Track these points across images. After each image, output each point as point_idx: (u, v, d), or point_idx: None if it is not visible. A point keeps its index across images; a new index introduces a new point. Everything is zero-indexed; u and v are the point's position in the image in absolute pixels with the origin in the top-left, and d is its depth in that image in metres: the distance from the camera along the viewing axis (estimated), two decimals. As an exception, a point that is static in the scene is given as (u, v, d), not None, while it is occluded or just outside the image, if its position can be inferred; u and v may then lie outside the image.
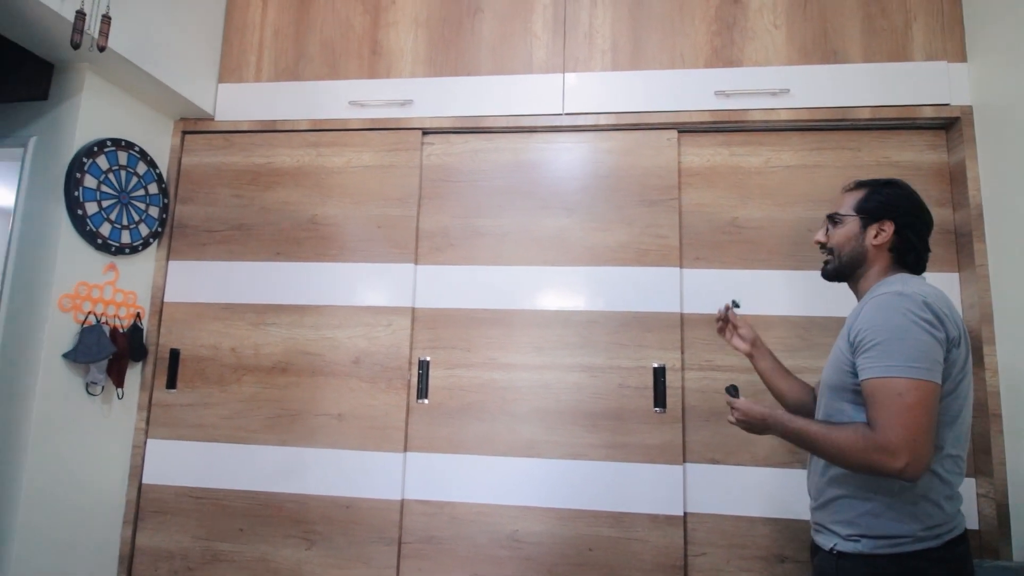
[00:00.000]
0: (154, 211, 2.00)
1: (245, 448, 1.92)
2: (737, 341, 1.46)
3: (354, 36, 2.10)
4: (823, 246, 1.27)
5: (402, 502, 1.85)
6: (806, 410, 1.33)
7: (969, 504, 1.69)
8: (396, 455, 1.86)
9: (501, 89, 2.00)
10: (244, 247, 2.03)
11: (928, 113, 1.83)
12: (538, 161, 1.99)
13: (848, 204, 1.24)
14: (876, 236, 1.18)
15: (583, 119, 1.95)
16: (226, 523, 1.90)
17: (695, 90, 1.92)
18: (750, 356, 1.45)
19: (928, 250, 1.20)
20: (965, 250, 1.78)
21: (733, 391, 1.28)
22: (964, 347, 1.07)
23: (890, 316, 1.03)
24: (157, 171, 2.01)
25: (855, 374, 1.08)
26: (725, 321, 1.48)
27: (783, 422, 1.15)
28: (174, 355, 1.99)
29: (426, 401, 1.90)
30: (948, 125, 1.86)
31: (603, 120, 1.95)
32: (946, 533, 1.04)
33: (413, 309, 1.95)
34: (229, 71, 2.13)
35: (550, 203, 1.96)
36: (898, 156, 1.88)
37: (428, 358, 1.92)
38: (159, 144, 2.06)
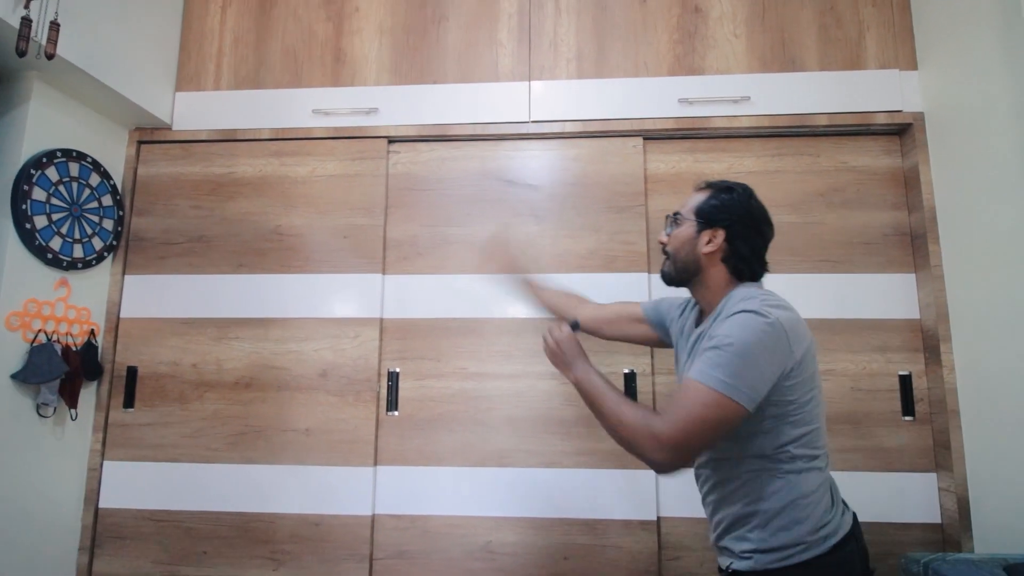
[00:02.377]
0: (108, 224, 1.92)
1: (208, 467, 1.86)
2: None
3: (317, 43, 2.06)
4: (664, 247, 1.19)
5: (373, 517, 1.81)
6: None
7: (931, 499, 1.74)
8: (366, 469, 1.82)
9: (467, 97, 1.99)
10: (205, 259, 1.97)
11: (882, 119, 1.89)
12: (506, 169, 1.98)
13: (691, 205, 1.15)
14: (708, 243, 1.11)
15: (549, 127, 1.96)
16: (189, 546, 1.83)
17: (659, 97, 1.94)
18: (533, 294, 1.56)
19: (763, 264, 1.13)
20: (920, 251, 1.83)
21: (575, 326, 1.21)
22: (813, 361, 1.05)
23: (743, 335, 0.97)
24: (111, 182, 1.94)
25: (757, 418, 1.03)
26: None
27: (583, 368, 1.10)
28: (131, 373, 1.92)
29: (396, 413, 1.87)
30: (901, 131, 1.92)
31: (569, 128, 1.96)
32: (831, 535, 1.03)
33: (381, 320, 1.91)
34: (187, 79, 2.08)
35: (518, 210, 1.96)
36: (855, 161, 1.93)
37: (397, 369, 1.89)
38: (113, 154, 1.99)
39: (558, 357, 1.16)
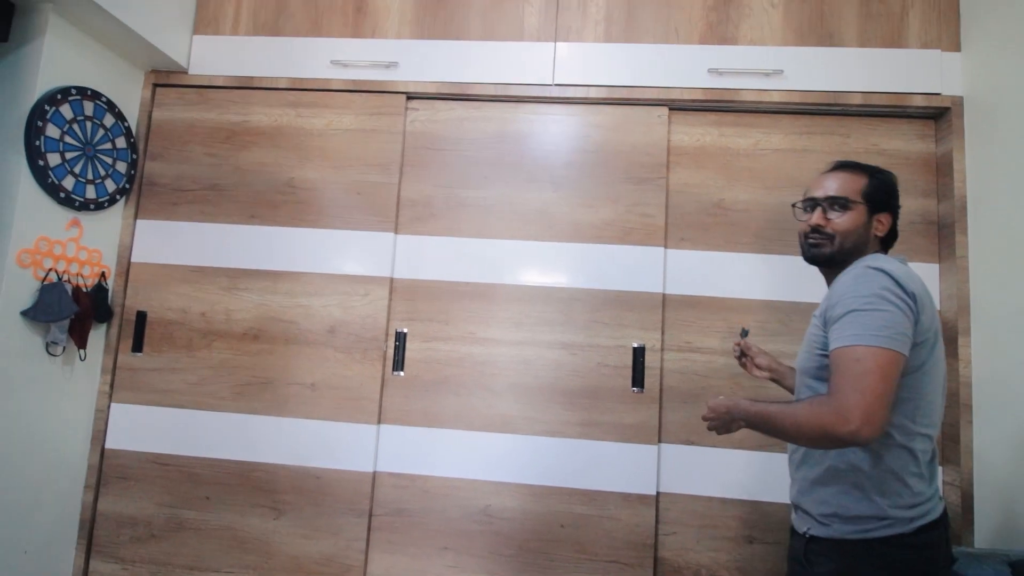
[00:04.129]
0: (122, 166, 1.90)
1: (213, 415, 1.87)
2: (756, 372, 1.44)
3: (339, -8, 2.00)
4: (818, 229, 1.18)
5: (374, 474, 1.83)
6: None
7: (935, 491, 1.72)
8: (370, 427, 1.83)
9: (490, 55, 1.93)
10: (217, 208, 1.95)
11: (919, 102, 1.81)
12: (525, 132, 1.94)
13: (850, 188, 1.17)
14: (878, 227, 1.18)
15: (573, 91, 1.90)
16: (192, 491, 1.86)
17: (688, 66, 1.88)
18: (774, 381, 1.43)
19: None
20: (947, 241, 1.78)
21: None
22: (934, 329, 1.06)
23: (863, 287, 1.03)
24: (126, 124, 1.91)
25: (827, 350, 1.07)
26: (742, 354, 1.45)
27: (745, 408, 1.14)
28: (141, 317, 1.92)
29: (402, 373, 1.86)
30: (938, 115, 1.85)
31: (593, 93, 1.90)
32: (918, 518, 1.04)
33: (391, 279, 1.90)
34: (205, 22, 2.03)
35: (536, 176, 1.91)
36: (886, 144, 1.87)
37: (405, 330, 1.88)
38: (128, 96, 1.96)
39: (722, 423, 1.18)
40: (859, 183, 1.18)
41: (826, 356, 1.07)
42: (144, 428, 1.89)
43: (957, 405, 1.69)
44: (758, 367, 1.43)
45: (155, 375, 1.91)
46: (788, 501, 1.24)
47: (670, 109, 1.91)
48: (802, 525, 1.13)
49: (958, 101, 1.80)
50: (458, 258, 1.89)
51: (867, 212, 1.17)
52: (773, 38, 1.88)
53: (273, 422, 1.86)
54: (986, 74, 1.72)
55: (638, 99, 1.89)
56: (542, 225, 1.89)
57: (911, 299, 1.02)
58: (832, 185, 1.19)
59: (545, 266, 1.87)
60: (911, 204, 1.83)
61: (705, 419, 1.21)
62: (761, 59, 1.86)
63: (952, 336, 1.72)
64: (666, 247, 1.86)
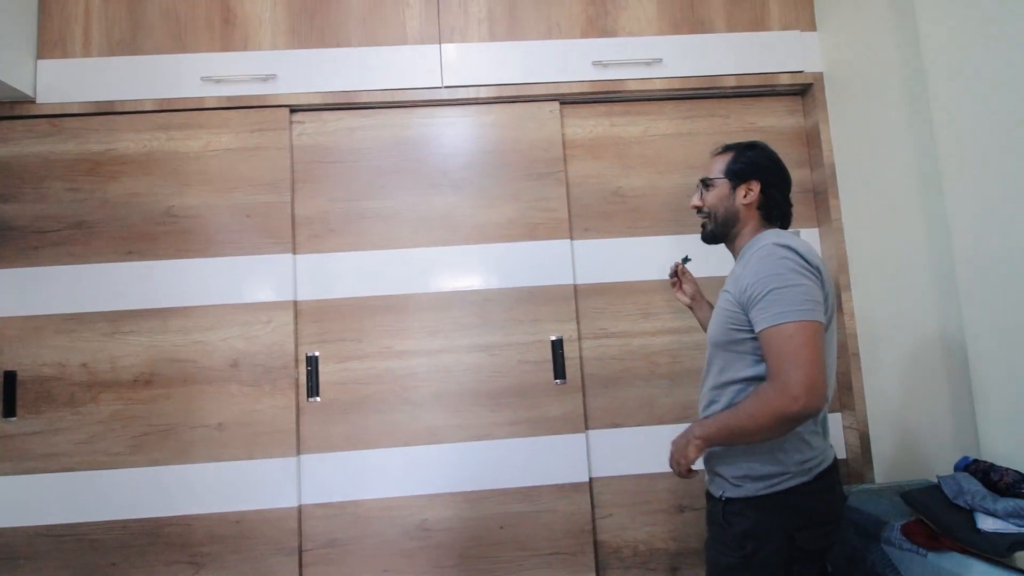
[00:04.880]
0: (-35, 212, 1.68)
1: (109, 474, 1.70)
2: (680, 295, 1.52)
3: (201, 2, 1.87)
4: (699, 210, 1.33)
5: (299, 508, 1.74)
6: None
7: (836, 436, 1.87)
8: (289, 460, 1.74)
9: (375, 61, 1.88)
10: (87, 247, 1.77)
11: (785, 80, 1.95)
12: (420, 137, 1.90)
13: (717, 168, 1.30)
14: (745, 196, 1.25)
15: (463, 92, 1.89)
16: (95, 560, 1.68)
17: (573, 60, 1.91)
18: (690, 307, 1.52)
19: (791, 205, 1.29)
20: (822, 206, 1.93)
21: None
22: (831, 296, 1.15)
23: (772, 266, 1.09)
24: (-36, 164, 1.69)
25: (747, 329, 1.13)
26: (676, 275, 1.52)
27: (701, 425, 1.17)
28: (9, 378, 1.71)
29: (318, 399, 1.78)
30: (803, 91, 2.00)
31: (484, 93, 1.89)
32: (816, 466, 1.13)
33: (295, 302, 1.81)
34: (50, 45, 1.83)
35: (436, 181, 1.89)
36: (762, 121, 1.99)
37: (316, 353, 1.79)
38: (-36, 132, 1.74)
39: (681, 451, 1.19)
40: (724, 161, 1.29)
41: (739, 331, 1.14)
42: (28, 500, 1.69)
43: (847, 355, 1.83)
44: (684, 292, 1.52)
45: (34, 439, 1.71)
46: (706, 468, 1.29)
47: (561, 104, 1.93)
48: (717, 489, 1.20)
49: (819, 77, 1.95)
50: (365, 272, 1.83)
51: (729, 186, 1.27)
52: (650, 28, 1.95)
53: (179, 471, 1.71)
54: (840, 50, 1.88)
55: (528, 96, 1.90)
56: (447, 229, 1.86)
57: (815, 272, 1.10)
58: (709, 169, 1.32)
59: (455, 270, 1.85)
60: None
61: (673, 464, 1.22)
62: (641, 49, 1.93)
63: (836, 292, 1.87)
64: (572, 239, 1.89)
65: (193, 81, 1.83)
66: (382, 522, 1.75)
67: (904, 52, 1.58)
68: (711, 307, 1.50)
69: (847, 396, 1.85)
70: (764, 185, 1.25)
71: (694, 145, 1.96)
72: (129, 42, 1.85)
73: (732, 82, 1.94)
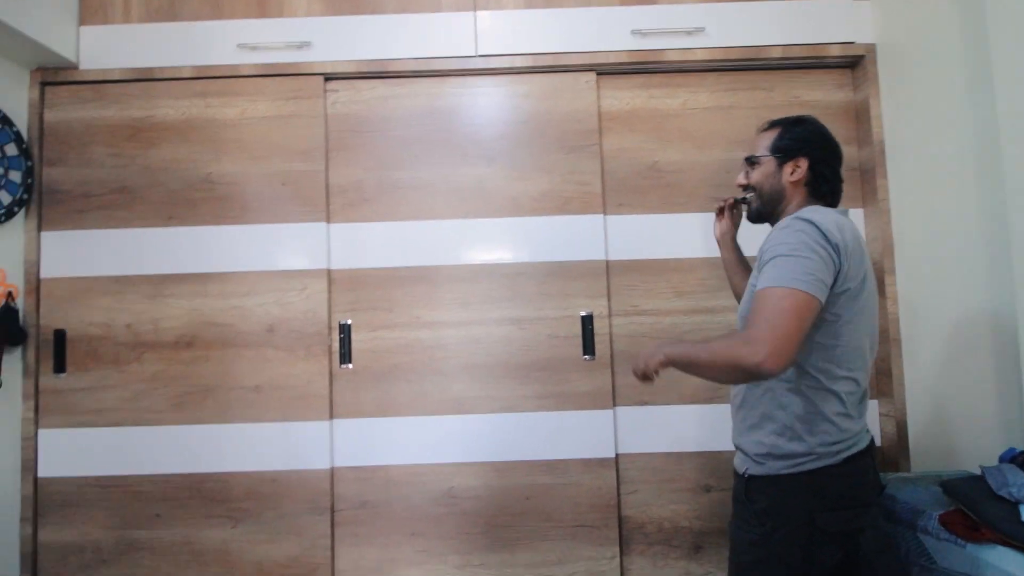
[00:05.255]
0: (15, 176, 1.74)
1: (153, 430, 1.78)
2: (715, 228, 1.49)
3: (239, -31, 1.86)
4: (746, 188, 1.30)
5: (332, 470, 1.79)
6: None
7: (872, 423, 1.83)
8: (322, 423, 1.78)
9: (410, 29, 1.85)
10: (130, 212, 1.82)
11: (835, 51, 1.86)
12: (454, 107, 1.88)
13: (763, 145, 1.26)
14: (792, 173, 1.22)
15: (498, 61, 1.85)
16: (140, 510, 1.77)
17: (612, 29, 1.85)
18: (719, 244, 1.49)
19: (841, 181, 1.25)
20: (869, 186, 1.85)
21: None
22: (859, 278, 1.10)
23: (790, 236, 1.07)
24: (14, 129, 1.75)
25: None
26: (722, 210, 1.48)
27: (669, 346, 1.16)
28: (59, 336, 1.79)
29: (350, 366, 1.81)
30: (853, 64, 1.90)
31: (519, 62, 1.85)
32: (845, 450, 1.10)
33: (329, 271, 1.83)
34: (91, 11, 1.85)
35: (469, 152, 1.87)
36: (808, 95, 1.91)
37: (349, 321, 1.82)
38: (13, 98, 1.78)
39: (646, 358, 1.16)
40: (770, 138, 1.25)
41: None
42: (79, 452, 1.78)
43: (888, 340, 1.78)
44: (719, 227, 1.48)
45: (84, 395, 1.79)
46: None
47: (597, 74, 1.88)
48: (741, 466, 1.20)
49: (871, 49, 1.85)
50: (396, 242, 1.84)
51: (776, 163, 1.23)
52: (693, -6, 1.88)
53: (219, 430, 1.78)
54: (894, 20, 1.77)
55: (564, 65, 1.86)
56: (479, 202, 1.85)
57: (834, 249, 1.06)
58: (754, 146, 1.29)
59: (487, 243, 1.85)
60: (834, 152, 1.88)
61: (635, 368, 1.21)
62: (683, 18, 1.86)
63: (879, 276, 1.80)
64: (605, 214, 1.86)
65: (229, 48, 1.83)
66: (411, 487, 1.79)
67: (966, 21, 1.48)
68: (738, 252, 1.49)
69: (885, 383, 1.80)
70: (812, 161, 1.21)
71: (736, 119, 1.89)
72: (168, 8, 1.86)
73: (778, 53, 1.85)
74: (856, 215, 1.87)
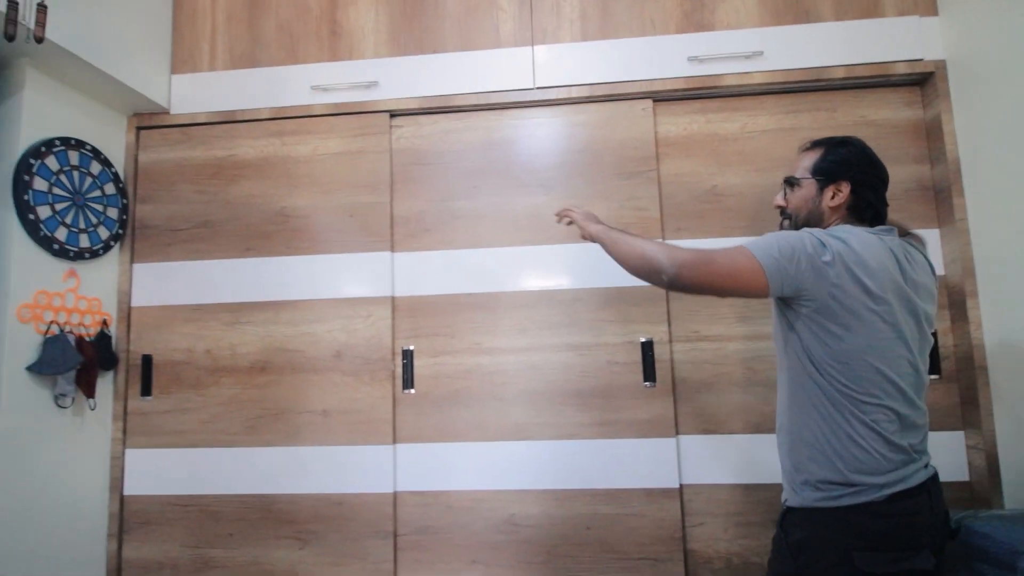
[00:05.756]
0: (113, 212, 1.90)
1: (228, 452, 1.86)
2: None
3: (312, 17, 2.00)
4: (783, 210, 1.26)
5: (395, 494, 1.82)
6: None
7: (959, 456, 1.71)
8: (386, 448, 1.82)
9: (469, 65, 1.93)
10: (211, 244, 1.95)
11: (902, 69, 1.81)
12: (511, 139, 1.93)
13: (804, 166, 1.22)
14: (833, 197, 1.17)
15: (555, 92, 1.90)
16: (215, 529, 1.85)
17: (668, 57, 1.87)
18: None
19: (886, 205, 1.20)
20: (944, 205, 1.77)
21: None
22: (868, 297, 1.04)
23: (796, 234, 1.08)
24: (113, 170, 1.91)
25: (787, 324, 1.13)
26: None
27: (603, 227, 1.25)
28: (146, 361, 1.92)
29: (412, 391, 1.86)
30: (922, 81, 1.84)
31: (576, 92, 1.89)
32: (888, 485, 1.03)
33: (393, 298, 1.89)
34: (182, 61, 2.03)
35: (526, 181, 1.91)
36: (874, 115, 1.86)
37: (411, 347, 1.87)
38: (113, 141, 1.96)
39: (580, 217, 1.33)
40: (812, 159, 1.22)
41: (788, 330, 1.13)
42: (160, 471, 1.88)
43: (972, 369, 1.68)
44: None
45: (166, 417, 1.90)
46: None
47: (654, 101, 1.90)
48: (783, 495, 1.16)
49: (941, 65, 1.79)
50: (457, 270, 1.89)
51: (816, 186, 1.19)
52: (750, 20, 1.88)
53: (289, 452, 1.85)
54: (966, 36, 1.72)
55: (621, 94, 1.88)
56: (536, 229, 1.88)
57: (827, 252, 1.04)
58: (795, 167, 1.25)
59: (545, 269, 1.87)
60: (904, 172, 1.82)
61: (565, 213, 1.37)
62: (740, 42, 1.86)
63: (960, 300, 1.71)
64: (664, 238, 1.86)
65: (304, 90, 1.96)
66: (471, 513, 1.80)
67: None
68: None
69: (972, 413, 1.69)
70: (855, 185, 1.16)
71: (797, 141, 1.81)
72: (249, 55, 2.01)
73: (841, 73, 1.82)
74: (931, 236, 1.79)
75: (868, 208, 1.17)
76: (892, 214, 1.77)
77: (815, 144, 1.23)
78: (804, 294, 1.05)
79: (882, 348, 1.06)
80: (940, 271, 1.79)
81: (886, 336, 1.06)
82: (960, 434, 1.72)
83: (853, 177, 1.16)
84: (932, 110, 1.81)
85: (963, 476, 1.70)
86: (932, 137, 1.82)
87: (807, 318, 1.07)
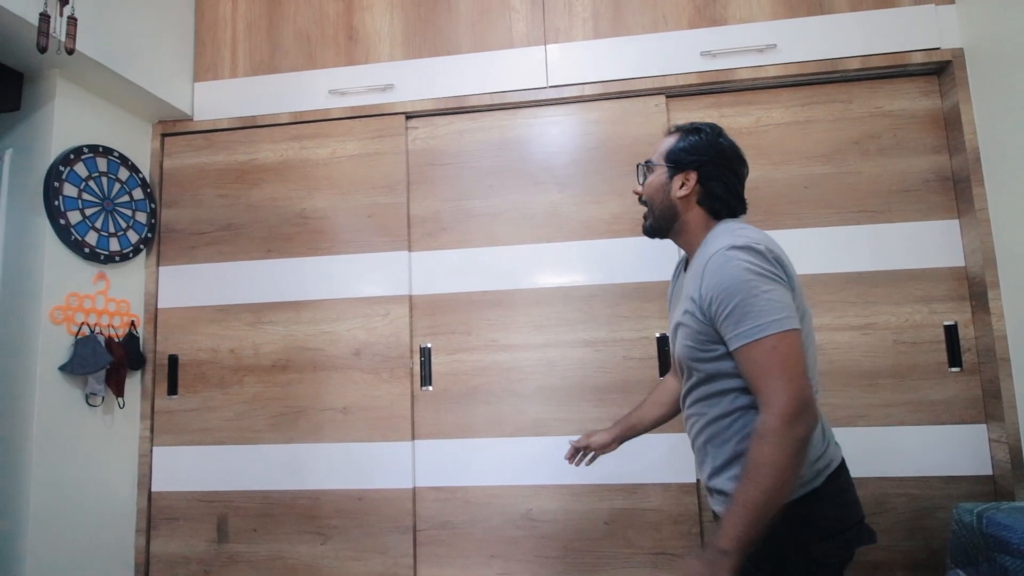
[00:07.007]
0: (141, 216, 1.96)
1: (252, 448, 1.91)
2: (604, 452, 1.40)
3: (328, 23, 2.05)
4: (640, 197, 1.18)
5: (414, 490, 1.84)
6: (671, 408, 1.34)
7: (982, 449, 1.69)
8: (405, 444, 1.85)
9: (483, 66, 1.96)
10: (234, 247, 2.00)
11: (918, 59, 1.79)
12: (526, 137, 1.95)
13: (661, 150, 1.14)
14: (681, 187, 1.10)
15: (568, 91, 1.92)
16: (239, 525, 1.89)
17: (680, 52, 1.88)
18: (629, 438, 1.40)
19: (741, 201, 1.12)
20: (964, 195, 1.75)
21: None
22: (798, 287, 1.02)
23: (733, 274, 0.96)
24: (140, 175, 1.97)
25: (717, 340, 1.01)
26: (576, 453, 1.41)
27: (725, 543, 0.91)
28: (173, 361, 1.97)
29: (430, 388, 1.88)
30: (939, 70, 1.83)
31: (588, 90, 1.91)
32: (824, 468, 1.02)
33: (410, 296, 1.92)
34: (204, 69, 2.09)
35: (541, 179, 1.93)
36: (890, 105, 1.84)
37: (429, 345, 1.90)
38: (139, 148, 2.02)
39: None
40: (669, 144, 1.13)
41: (717, 341, 1.02)
42: (187, 468, 1.93)
43: (994, 360, 1.65)
44: (604, 448, 1.37)
45: (192, 415, 1.95)
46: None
47: (667, 97, 1.91)
48: (719, 507, 1.07)
49: (959, 53, 1.77)
50: (473, 268, 1.91)
51: (667, 173, 1.12)
52: (763, 13, 1.88)
53: (311, 449, 1.89)
54: (984, 23, 1.70)
55: (634, 91, 1.90)
56: (552, 227, 1.90)
57: (779, 266, 0.99)
58: (654, 149, 1.17)
59: (560, 266, 1.88)
60: (923, 162, 1.80)
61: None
62: (753, 36, 1.86)
63: (980, 291, 1.69)
64: (678, 234, 1.86)
65: (321, 94, 2.00)
66: (489, 508, 1.82)
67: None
68: (628, 419, 1.38)
69: (994, 405, 1.67)
70: (701, 176, 1.08)
71: (813, 134, 1.86)
72: (268, 62, 2.06)
73: (856, 64, 1.81)
74: (950, 226, 1.77)
75: (716, 201, 1.09)
76: (909, 205, 1.78)
77: (676, 128, 1.16)
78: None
79: (811, 335, 1.05)
80: (960, 262, 1.76)
81: (810, 323, 1.06)
82: (983, 427, 1.69)
83: (700, 168, 1.09)
84: (950, 99, 1.79)
85: (986, 470, 1.68)
86: (950, 127, 1.80)
87: None
